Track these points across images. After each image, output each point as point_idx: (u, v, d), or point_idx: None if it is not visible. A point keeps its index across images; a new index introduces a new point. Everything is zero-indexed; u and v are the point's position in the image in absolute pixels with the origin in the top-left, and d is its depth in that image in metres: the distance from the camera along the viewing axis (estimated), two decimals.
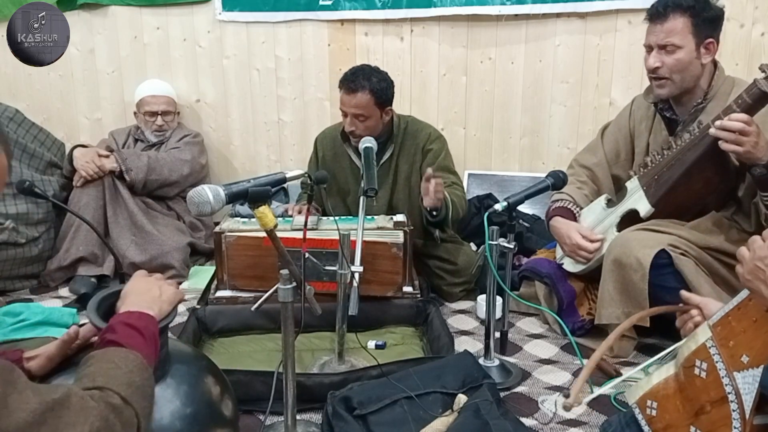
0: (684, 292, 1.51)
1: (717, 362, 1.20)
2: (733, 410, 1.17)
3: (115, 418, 0.89)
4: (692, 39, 1.96)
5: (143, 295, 1.15)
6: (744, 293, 1.20)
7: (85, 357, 0.99)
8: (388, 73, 2.50)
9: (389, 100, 2.49)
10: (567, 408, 1.28)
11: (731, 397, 1.17)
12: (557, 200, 2.29)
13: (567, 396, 1.28)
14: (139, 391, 0.96)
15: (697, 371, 1.24)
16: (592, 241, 2.12)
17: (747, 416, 1.16)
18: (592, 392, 1.79)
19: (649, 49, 2.03)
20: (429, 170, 2.23)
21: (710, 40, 1.97)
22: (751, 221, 1.98)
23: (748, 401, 1.15)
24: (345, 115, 2.45)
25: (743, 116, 1.78)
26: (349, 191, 2.64)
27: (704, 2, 1.96)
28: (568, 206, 2.26)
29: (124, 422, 0.90)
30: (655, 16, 2.00)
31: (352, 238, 1.88)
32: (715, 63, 2.05)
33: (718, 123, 1.82)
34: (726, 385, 1.18)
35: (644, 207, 2.03)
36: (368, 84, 2.39)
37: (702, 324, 1.28)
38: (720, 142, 1.81)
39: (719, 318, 1.24)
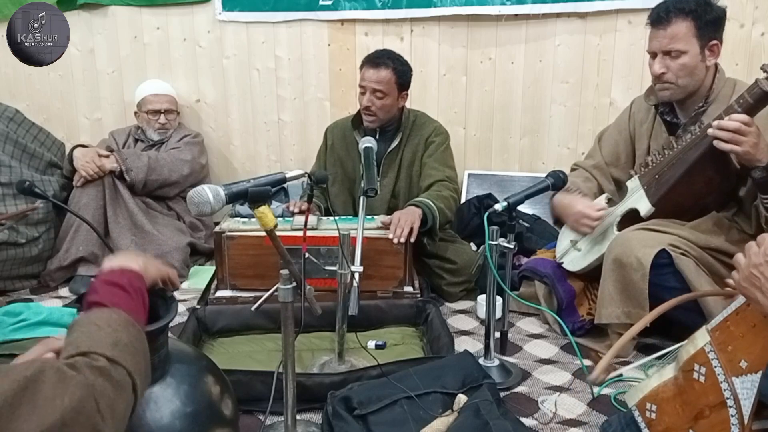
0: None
1: (715, 367, 1.20)
2: (732, 415, 1.16)
3: (104, 381, 0.84)
4: (696, 42, 1.94)
5: (126, 258, 1.11)
6: (742, 298, 1.20)
7: (69, 325, 0.94)
8: None
9: (407, 84, 2.58)
10: (593, 382, 1.35)
11: (730, 402, 1.17)
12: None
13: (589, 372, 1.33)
14: (127, 349, 0.90)
15: (696, 375, 1.24)
16: (596, 211, 2.11)
17: (746, 421, 1.15)
18: (593, 394, 1.80)
19: (653, 55, 2.01)
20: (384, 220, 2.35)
21: (714, 42, 1.96)
22: (752, 223, 1.98)
23: (747, 406, 1.15)
24: (363, 92, 2.52)
25: (742, 116, 1.77)
26: (356, 179, 2.68)
27: (706, 4, 1.94)
28: (573, 191, 2.25)
29: (115, 383, 0.85)
30: (657, 21, 1.97)
31: (352, 235, 1.89)
32: (715, 65, 2.03)
33: (715, 123, 1.81)
34: (724, 390, 1.18)
35: (645, 206, 2.03)
36: (392, 63, 2.51)
37: (701, 329, 1.28)
38: (717, 142, 1.81)
39: (718, 323, 1.23)
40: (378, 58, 2.52)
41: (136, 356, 0.91)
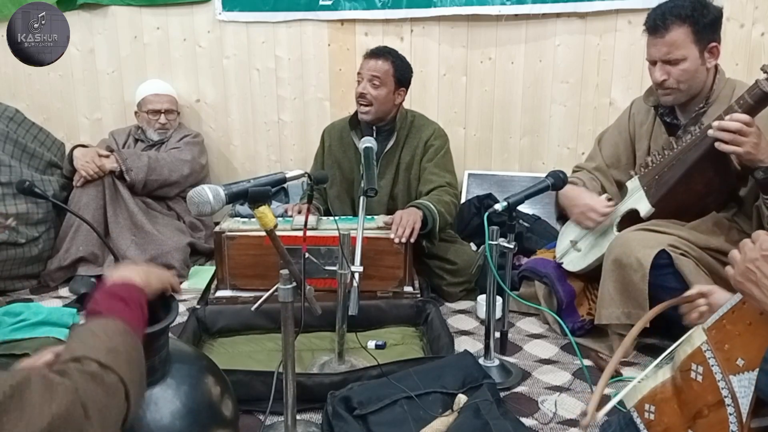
0: (697, 286, 1.47)
1: (713, 366, 1.20)
2: (730, 414, 1.16)
3: (95, 386, 0.84)
4: (695, 47, 1.93)
5: (128, 270, 1.12)
6: (738, 296, 1.19)
7: (68, 334, 0.96)
8: None
9: (406, 81, 2.58)
10: (584, 428, 1.27)
11: (728, 400, 1.17)
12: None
13: (584, 415, 1.26)
14: (121, 357, 0.90)
15: (693, 375, 1.24)
16: (604, 206, 2.11)
17: (744, 420, 1.15)
18: (592, 393, 1.80)
19: (653, 62, 2.00)
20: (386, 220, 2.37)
21: (713, 44, 1.95)
22: (752, 223, 1.97)
23: (745, 405, 1.14)
24: (360, 80, 2.53)
25: (743, 116, 1.77)
26: (354, 180, 2.67)
27: (702, 7, 1.92)
28: (580, 185, 2.25)
29: (107, 389, 0.85)
30: (653, 29, 1.95)
31: (352, 235, 1.89)
32: (715, 66, 2.02)
33: (716, 123, 1.81)
34: (722, 388, 1.17)
35: (644, 207, 2.03)
36: (392, 57, 2.53)
37: (697, 327, 1.27)
38: (718, 144, 1.80)
39: (714, 321, 1.23)
40: (379, 50, 2.55)
41: (130, 365, 0.92)
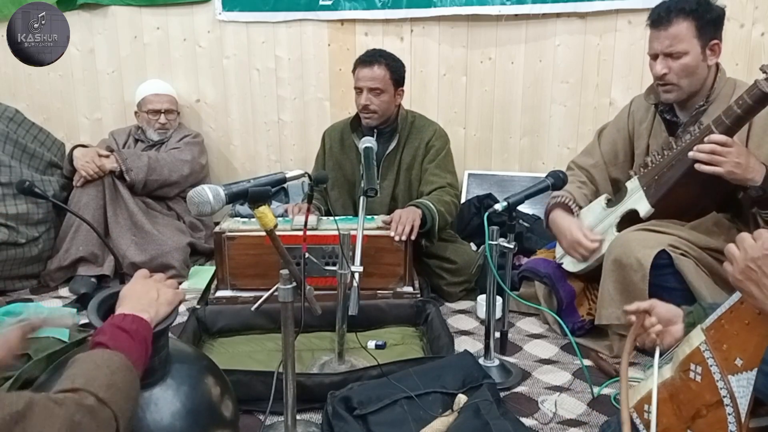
0: (627, 307, 1.46)
1: (711, 366, 1.20)
2: (729, 414, 1.16)
3: (90, 420, 0.87)
4: (697, 43, 1.94)
5: (140, 299, 1.15)
6: (736, 296, 1.19)
7: (71, 359, 0.99)
8: None
9: (402, 80, 2.58)
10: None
11: (726, 400, 1.17)
12: (557, 196, 2.28)
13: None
14: (119, 393, 0.94)
15: (692, 375, 1.24)
16: (591, 241, 2.11)
17: (742, 419, 1.15)
18: (593, 394, 1.80)
19: (654, 56, 2.01)
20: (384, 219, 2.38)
21: (715, 41, 1.96)
22: (750, 225, 1.97)
23: (743, 404, 1.15)
24: (359, 92, 2.52)
25: (718, 137, 1.78)
26: (355, 182, 2.67)
27: (706, 4, 1.94)
28: (568, 203, 2.25)
29: (100, 423, 0.89)
30: (657, 22, 1.97)
31: (352, 234, 1.89)
32: (717, 65, 2.03)
33: (696, 147, 1.82)
34: (721, 388, 1.18)
35: (644, 207, 2.03)
36: (384, 60, 2.52)
37: (696, 329, 1.27)
38: (698, 165, 1.82)
39: (712, 321, 1.23)
40: (370, 57, 2.52)
41: (126, 401, 0.96)
